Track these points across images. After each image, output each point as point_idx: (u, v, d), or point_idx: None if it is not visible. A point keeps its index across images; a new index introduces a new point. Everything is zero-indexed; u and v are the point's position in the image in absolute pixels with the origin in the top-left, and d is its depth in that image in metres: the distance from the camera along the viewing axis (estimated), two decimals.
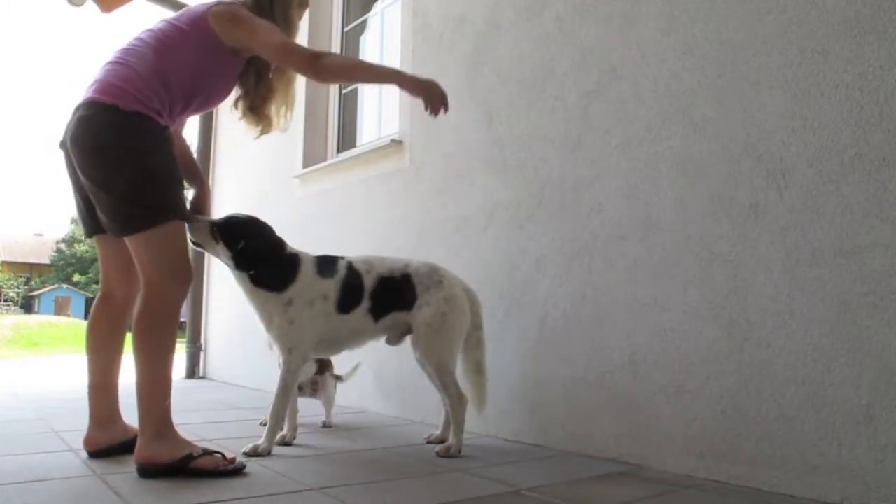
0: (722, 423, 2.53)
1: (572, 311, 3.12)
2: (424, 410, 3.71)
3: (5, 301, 35.67)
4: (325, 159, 5.32)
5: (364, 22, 5.43)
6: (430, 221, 3.98)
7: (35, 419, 3.69)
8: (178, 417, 3.69)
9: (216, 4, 2.64)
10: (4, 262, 38.42)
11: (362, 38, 5.49)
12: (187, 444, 2.50)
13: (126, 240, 2.50)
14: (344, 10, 5.59)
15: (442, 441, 3.18)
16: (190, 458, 2.44)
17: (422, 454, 2.96)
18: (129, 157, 2.43)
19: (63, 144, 2.58)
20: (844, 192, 2.26)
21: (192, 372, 6.58)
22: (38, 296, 38.10)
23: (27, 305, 37.34)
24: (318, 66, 2.59)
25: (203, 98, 2.70)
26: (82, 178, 2.51)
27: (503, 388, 3.41)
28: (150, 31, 2.63)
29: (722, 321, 2.56)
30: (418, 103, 4.14)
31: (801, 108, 2.38)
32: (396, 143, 4.28)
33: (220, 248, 2.86)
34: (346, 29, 5.55)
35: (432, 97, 2.82)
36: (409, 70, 4.25)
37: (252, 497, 2.19)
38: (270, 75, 2.81)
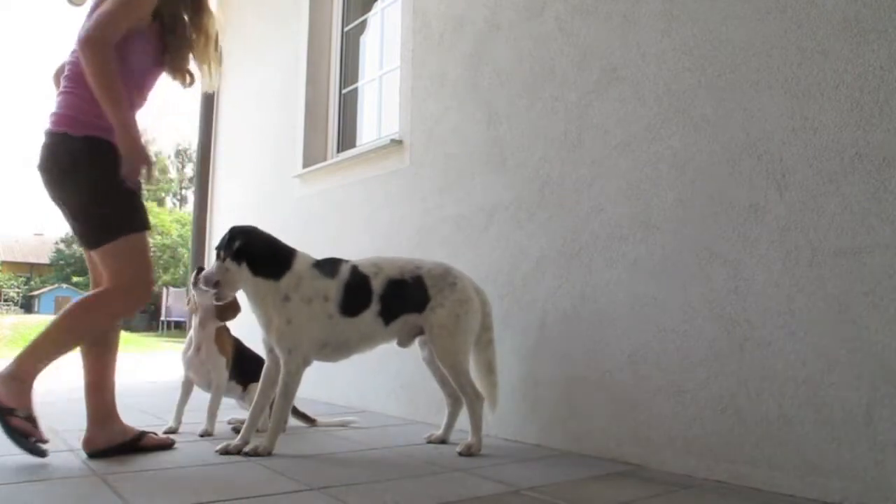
0: (722, 422, 2.53)
1: (572, 310, 3.12)
2: (425, 410, 3.72)
3: (5, 301, 35.61)
4: (325, 159, 5.32)
5: (364, 22, 5.43)
6: (430, 221, 3.98)
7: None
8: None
9: None
10: (4, 262, 38.42)
11: (362, 39, 5.49)
12: (126, 429, 2.78)
13: (93, 252, 2.75)
14: (344, 10, 5.59)
15: (443, 441, 3.19)
16: (136, 438, 2.78)
17: (422, 454, 2.96)
18: (84, 179, 2.68)
19: (38, 168, 2.79)
20: (844, 191, 2.26)
21: None
22: (38, 296, 38.03)
23: (27, 305, 37.28)
24: (88, 39, 2.60)
25: (137, 84, 2.84)
26: (53, 199, 2.76)
27: (503, 388, 3.41)
28: (73, 51, 2.79)
29: (722, 321, 2.56)
30: (419, 103, 4.17)
31: (802, 107, 2.39)
32: (396, 143, 4.28)
33: (229, 262, 3.00)
34: (346, 29, 5.55)
35: (131, 166, 2.70)
36: (409, 71, 4.26)
37: (253, 497, 2.19)
38: (181, 28, 2.92)
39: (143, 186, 2.82)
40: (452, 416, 3.26)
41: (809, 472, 2.27)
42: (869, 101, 2.22)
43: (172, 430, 3.28)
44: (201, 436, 3.24)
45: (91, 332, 2.74)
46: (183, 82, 3.05)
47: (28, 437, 2.53)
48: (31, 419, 2.57)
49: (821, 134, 2.33)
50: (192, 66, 3.05)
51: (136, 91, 2.83)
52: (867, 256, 2.19)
